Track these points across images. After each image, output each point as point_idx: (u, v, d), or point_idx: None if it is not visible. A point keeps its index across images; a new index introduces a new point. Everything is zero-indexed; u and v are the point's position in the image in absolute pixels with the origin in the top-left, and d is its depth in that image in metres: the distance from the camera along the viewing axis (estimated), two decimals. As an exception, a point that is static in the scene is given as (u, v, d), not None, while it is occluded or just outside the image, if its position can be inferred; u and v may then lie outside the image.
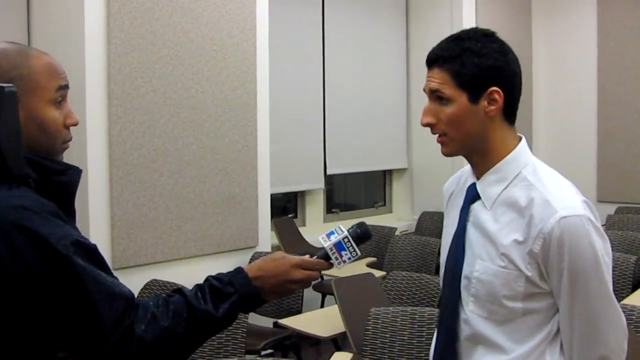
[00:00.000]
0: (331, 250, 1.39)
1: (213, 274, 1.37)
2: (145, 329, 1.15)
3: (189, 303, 1.22)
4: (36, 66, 1.22)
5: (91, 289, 1.12)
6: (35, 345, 1.13)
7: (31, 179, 1.18)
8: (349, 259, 1.39)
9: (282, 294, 1.37)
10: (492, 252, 1.35)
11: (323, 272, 4.55)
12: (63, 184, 1.24)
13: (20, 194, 1.14)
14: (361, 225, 1.43)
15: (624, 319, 1.37)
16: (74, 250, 1.12)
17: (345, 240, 1.39)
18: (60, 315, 1.12)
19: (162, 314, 1.19)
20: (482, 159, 1.40)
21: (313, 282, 1.40)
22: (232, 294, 1.27)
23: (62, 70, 1.27)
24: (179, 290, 1.26)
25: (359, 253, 1.40)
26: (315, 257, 1.40)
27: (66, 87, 1.27)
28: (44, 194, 1.19)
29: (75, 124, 1.29)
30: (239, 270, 1.33)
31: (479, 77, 1.34)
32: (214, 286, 1.27)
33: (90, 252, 1.15)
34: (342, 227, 1.42)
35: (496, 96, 1.35)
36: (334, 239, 1.40)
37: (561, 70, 6.50)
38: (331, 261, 1.39)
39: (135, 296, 1.35)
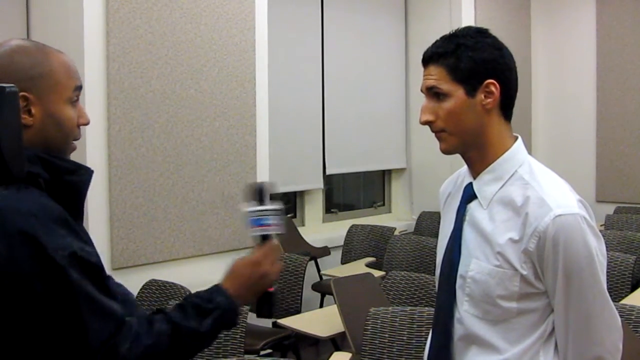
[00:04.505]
0: (262, 229, 1.33)
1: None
2: (129, 348, 1.14)
3: (171, 320, 1.21)
4: (56, 64, 1.23)
5: (83, 305, 1.11)
6: (19, 356, 1.11)
7: (42, 178, 1.18)
8: (277, 214, 1.32)
9: (260, 291, 1.35)
10: (487, 251, 1.36)
11: (322, 272, 4.50)
12: (74, 183, 1.23)
13: (28, 198, 1.14)
14: (253, 188, 1.34)
15: (619, 319, 1.36)
16: (71, 262, 1.10)
17: (259, 213, 1.32)
18: (48, 326, 1.10)
19: (146, 332, 1.17)
20: (479, 155, 1.41)
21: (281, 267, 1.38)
22: (213, 310, 1.26)
23: (77, 70, 1.28)
24: (161, 310, 1.24)
25: (278, 206, 1.32)
26: (258, 244, 1.35)
27: (81, 87, 1.28)
28: (54, 193, 1.19)
29: (87, 124, 1.30)
30: (217, 287, 1.31)
31: (475, 70, 1.35)
32: (195, 303, 1.26)
33: (89, 267, 1.13)
34: (251, 209, 1.32)
35: (492, 88, 1.36)
36: (256, 223, 1.32)
37: (560, 70, 6.51)
38: (271, 237, 1.34)
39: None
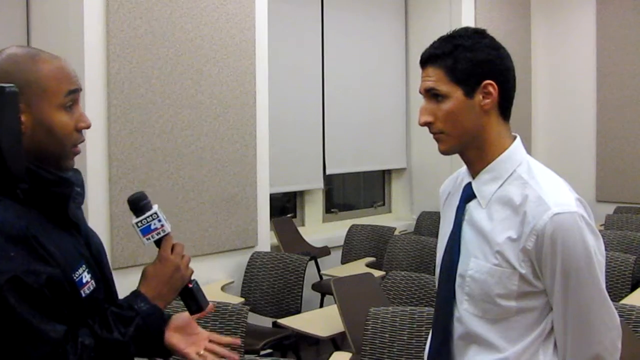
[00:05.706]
0: (152, 235, 1.39)
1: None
2: None
3: (95, 334, 1.23)
4: (44, 71, 1.23)
5: (17, 330, 1.12)
6: None
7: (19, 189, 1.19)
8: (155, 218, 1.39)
9: (179, 286, 1.38)
10: (486, 250, 1.36)
11: (322, 272, 4.50)
12: (58, 195, 1.24)
13: None
14: (130, 203, 1.41)
15: (618, 317, 1.37)
16: (8, 286, 1.11)
17: (142, 222, 1.39)
18: None
19: (71, 347, 1.18)
20: (478, 155, 1.41)
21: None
22: (134, 317, 1.28)
23: (74, 74, 1.28)
24: (85, 322, 1.24)
25: (153, 211, 1.39)
26: (159, 249, 1.40)
27: (76, 91, 1.28)
28: (38, 202, 1.20)
29: (87, 127, 1.30)
30: (136, 294, 1.33)
31: (473, 71, 1.35)
32: (115, 312, 1.27)
33: (29, 292, 1.13)
34: (134, 222, 1.39)
35: (491, 89, 1.36)
36: (145, 231, 1.39)
37: (560, 71, 6.51)
38: (166, 238, 1.40)
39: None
